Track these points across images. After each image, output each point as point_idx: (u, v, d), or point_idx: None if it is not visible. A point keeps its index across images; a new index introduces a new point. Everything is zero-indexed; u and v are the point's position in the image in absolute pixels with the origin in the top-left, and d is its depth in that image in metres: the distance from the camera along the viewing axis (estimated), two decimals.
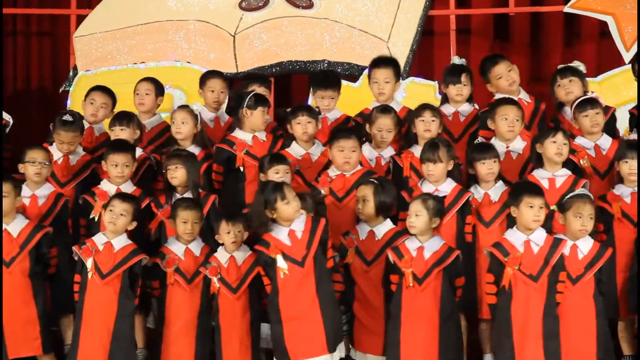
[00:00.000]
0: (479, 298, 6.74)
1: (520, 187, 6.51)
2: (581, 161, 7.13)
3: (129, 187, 7.13)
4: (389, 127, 7.36)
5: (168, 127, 7.78)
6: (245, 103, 7.41)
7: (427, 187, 6.88)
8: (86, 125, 7.70)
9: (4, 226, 6.70)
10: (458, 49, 9.07)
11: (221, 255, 6.72)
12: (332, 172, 7.12)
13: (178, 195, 7.05)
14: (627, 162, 6.84)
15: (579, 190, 6.55)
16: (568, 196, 6.48)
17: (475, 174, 6.95)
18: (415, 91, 8.69)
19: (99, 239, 6.64)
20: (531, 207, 6.30)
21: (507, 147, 7.21)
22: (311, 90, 7.98)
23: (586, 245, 6.42)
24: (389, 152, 7.39)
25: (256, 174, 7.23)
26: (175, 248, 6.76)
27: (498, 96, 7.67)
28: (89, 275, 6.55)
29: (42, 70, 9.68)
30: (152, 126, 7.86)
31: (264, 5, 9.12)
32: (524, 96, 7.72)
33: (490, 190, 6.92)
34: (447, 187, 6.87)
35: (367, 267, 6.70)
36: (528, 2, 9.38)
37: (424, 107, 7.32)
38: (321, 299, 6.38)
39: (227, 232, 6.68)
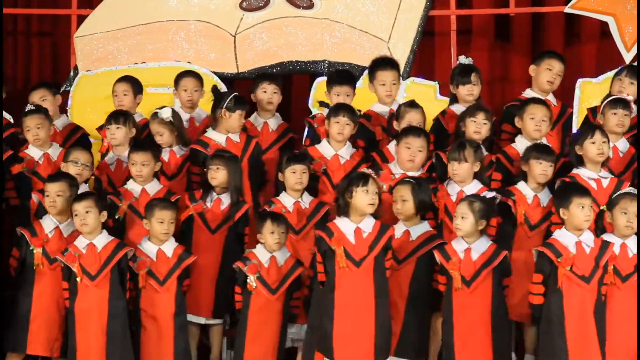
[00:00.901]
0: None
1: (568, 188, 6.54)
2: None
3: (155, 186, 7.17)
4: (419, 121, 7.34)
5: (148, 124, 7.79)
6: (225, 104, 7.39)
7: (452, 187, 6.89)
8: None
9: (57, 224, 6.83)
10: (458, 50, 9.06)
11: (261, 254, 6.73)
12: (396, 169, 7.08)
13: (215, 195, 7.05)
14: None
15: (626, 189, 6.57)
16: (615, 194, 6.51)
17: (528, 171, 6.92)
18: (416, 92, 8.67)
19: (80, 242, 6.65)
20: (582, 207, 6.33)
21: None
22: (326, 88, 7.92)
23: (635, 245, 6.44)
24: None
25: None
26: (148, 249, 6.75)
27: (527, 92, 7.70)
28: (78, 280, 6.56)
29: (43, 71, 9.67)
30: None
31: (265, 5, 9.12)
32: (551, 98, 7.72)
33: (540, 194, 6.91)
34: (473, 188, 6.87)
35: (397, 266, 6.69)
36: (529, 3, 9.37)
37: (479, 108, 7.31)
38: (378, 306, 6.36)
39: (271, 232, 6.70)
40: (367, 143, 7.49)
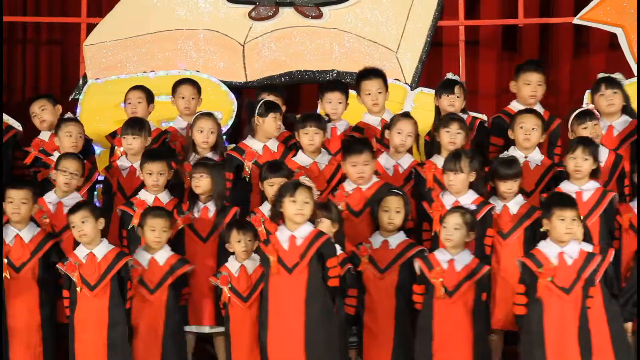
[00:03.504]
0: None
1: (552, 199, 6.48)
2: None
3: (165, 197, 7.15)
4: (410, 130, 7.34)
5: (162, 134, 7.83)
6: (257, 111, 7.42)
7: (448, 198, 6.87)
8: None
9: (16, 231, 6.78)
10: (467, 60, 9.10)
11: (232, 265, 6.74)
12: (349, 186, 7.09)
13: (201, 204, 7.06)
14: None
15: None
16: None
17: (495, 188, 6.94)
18: (424, 102, 8.67)
19: (80, 252, 6.63)
20: (562, 219, 6.29)
21: (526, 157, 7.19)
22: (319, 97, 7.95)
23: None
24: (406, 160, 7.38)
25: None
26: (141, 258, 6.74)
27: (513, 104, 7.69)
28: (78, 289, 6.54)
29: (52, 79, 9.70)
30: None
31: (274, 15, 9.13)
32: (538, 109, 7.64)
33: (509, 203, 6.90)
34: (468, 199, 6.85)
35: (381, 275, 6.72)
36: (537, 14, 9.39)
37: (452, 118, 7.29)
38: (309, 313, 6.35)
39: (238, 241, 6.70)
40: (373, 155, 7.43)
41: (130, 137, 7.47)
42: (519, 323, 6.40)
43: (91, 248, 6.62)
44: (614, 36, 8.89)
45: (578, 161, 6.85)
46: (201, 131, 7.45)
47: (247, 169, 7.36)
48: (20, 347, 6.70)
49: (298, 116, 7.56)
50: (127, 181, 7.45)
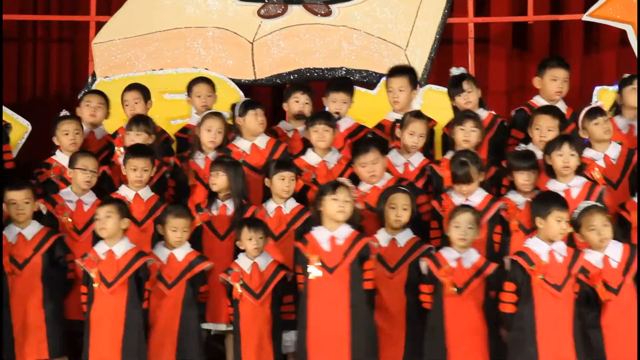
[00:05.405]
0: None
1: (550, 199, 6.46)
2: (593, 174, 7.07)
3: (147, 193, 7.14)
4: (422, 131, 7.34)
5: (162, 131, 7.82)
6: (237, 112, 7.42)
7: (457, 197, 6.88)
8: (86, 131, 7.76)
9: (19, 230, 6.81)
10: (476, 57, 9.07)
11: (243, 262, 6.75)
12: (363, 186, 7.09)
13: (219, 202, 7.06)
14: None
15: (583, 204, 6.51)
16: (575, 213, 6.45)
17: (514, 181, 6.93)
18: (433, 99, 8.66)
19: (100, 248, 6.63)
20: (559, 221, 6.31)
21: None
22: (324, 95, 7.95)
23: (616, 252, 6.40)
24: (417, 158, 7.37)
25: (254, 182, 7.24)
26: (160, 253, 6.76)
27: (536, 98, 7.67)
28: (96, 286, 6.55)
29: (61, 77, 9.71)
30: None
31: (283, 12, 9.13)
32: (561, 106, 7.63)
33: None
34: (478, 197, 6.88)
35: (390, 274, 6.72)
36: (547, 11, 9.36)
37: (467, 115, 7.29)
38: (353, 313, 6.40)
39: (249, 239, 6.70)
40: (381, 152, 7.45)
41: (133, 133, 7.44)
42: (507, 321, 6.39)
43: (111, 245, 6.62)
44: (624, 33, 8.86)
45: (565, 157, 6.84)
46: (209, 130, 7.42)
47: None
48: (26, 344, 6.72)
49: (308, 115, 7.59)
50: None
